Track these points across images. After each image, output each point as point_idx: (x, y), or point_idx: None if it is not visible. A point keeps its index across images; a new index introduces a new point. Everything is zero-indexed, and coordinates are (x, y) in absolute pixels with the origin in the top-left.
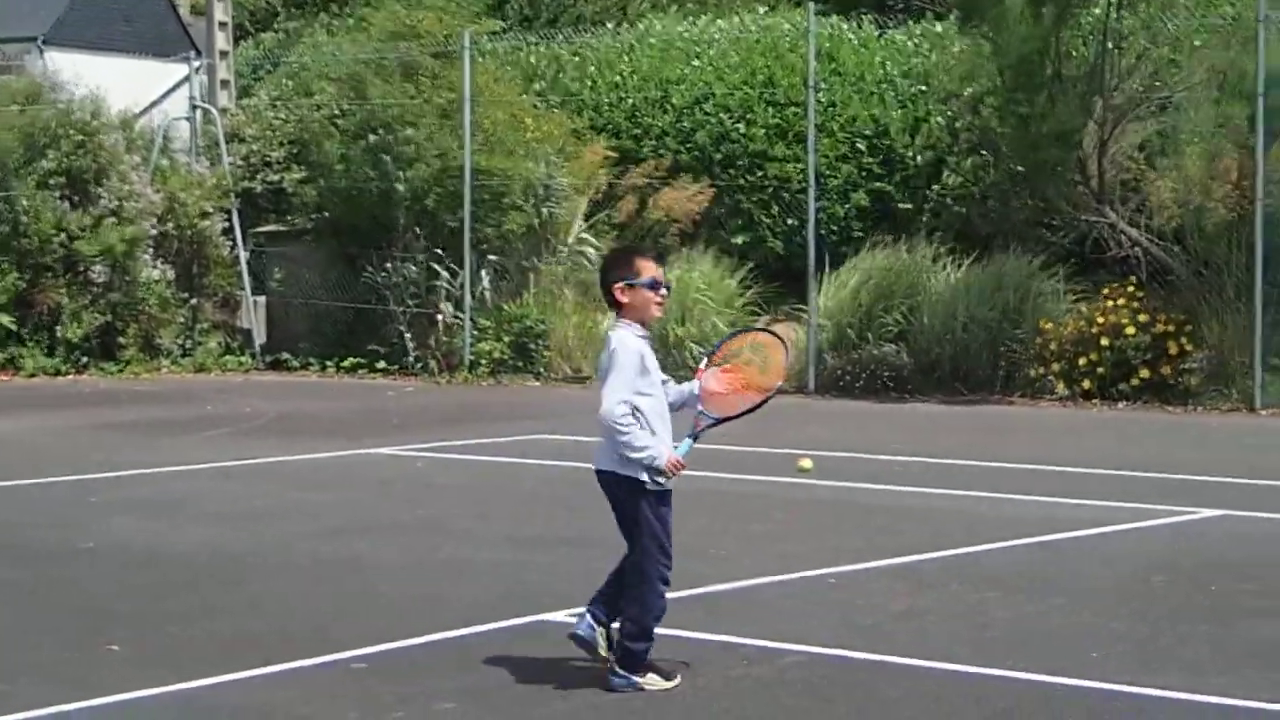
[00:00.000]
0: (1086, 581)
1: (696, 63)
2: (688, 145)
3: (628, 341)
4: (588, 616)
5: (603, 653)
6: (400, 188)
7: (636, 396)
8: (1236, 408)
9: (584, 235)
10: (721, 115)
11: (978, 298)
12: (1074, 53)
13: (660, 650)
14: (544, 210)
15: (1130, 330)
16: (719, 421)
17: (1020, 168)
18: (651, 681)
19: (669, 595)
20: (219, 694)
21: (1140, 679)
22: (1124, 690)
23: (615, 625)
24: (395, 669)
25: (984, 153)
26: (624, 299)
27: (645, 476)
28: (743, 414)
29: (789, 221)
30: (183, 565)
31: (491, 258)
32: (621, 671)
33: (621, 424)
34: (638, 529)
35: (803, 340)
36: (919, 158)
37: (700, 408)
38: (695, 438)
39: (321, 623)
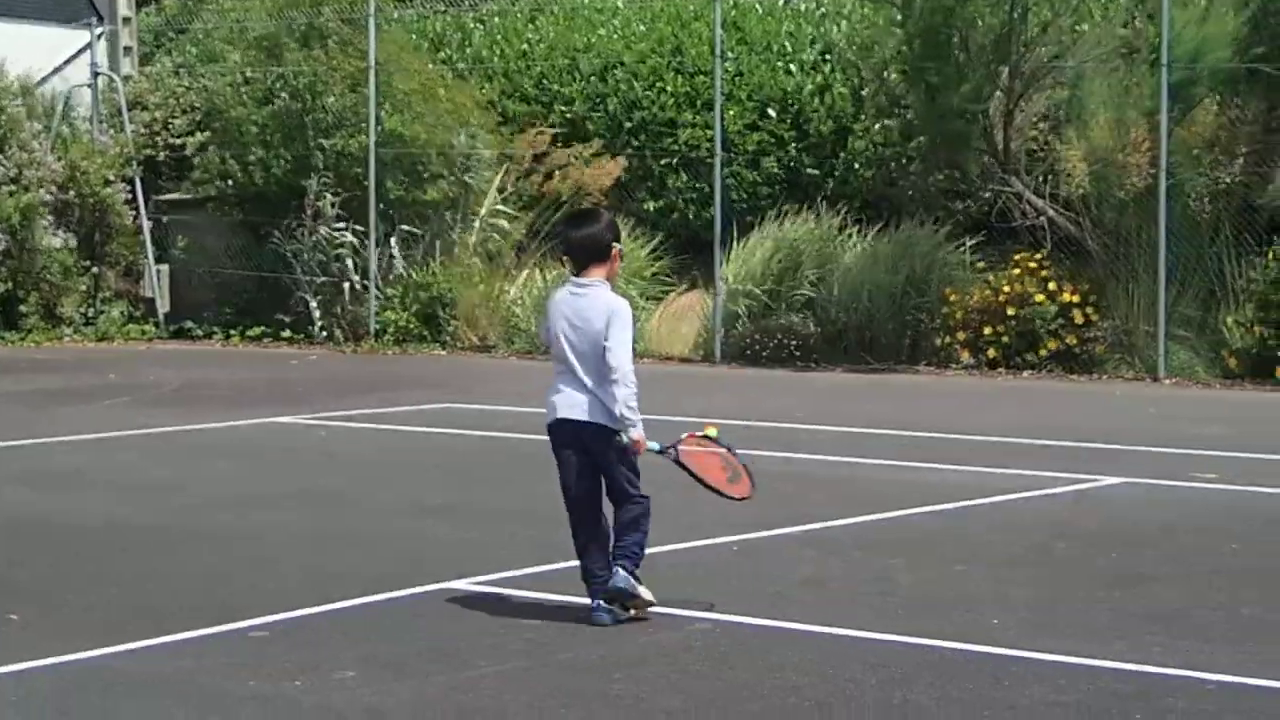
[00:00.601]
0: (989, 548)
1: (603, 31)
2: (596, 112)
3: (626, 305)
4: (601, 604)
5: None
6: (319, 155)
7: None
8: (1141, 377)
9: (499, 207)
10: (632, 82)
11: (885, 267)
12: (980, 21)
13: (565, 618)
14: (467, 177)
15: (1040, 299)
16: (681, 466)
17: (926, 137)
18: (644, 593)
19: (574, 563)
20: (118, 663)
21: (1041, 644)
22: (1024, 655)
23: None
24: (296, 638)
25: (889, 121)
26: (616, 261)
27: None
28: (695, 478)
29: (699, 187)
30: (81, 535)
31: (404, 228)
32: (629, 570)
33: (634, 383)
34: (618, 469)
35: (710, 309)
36: (825, 125)
37: (680, 448)
38: (662, 451)
39: (221, 592)
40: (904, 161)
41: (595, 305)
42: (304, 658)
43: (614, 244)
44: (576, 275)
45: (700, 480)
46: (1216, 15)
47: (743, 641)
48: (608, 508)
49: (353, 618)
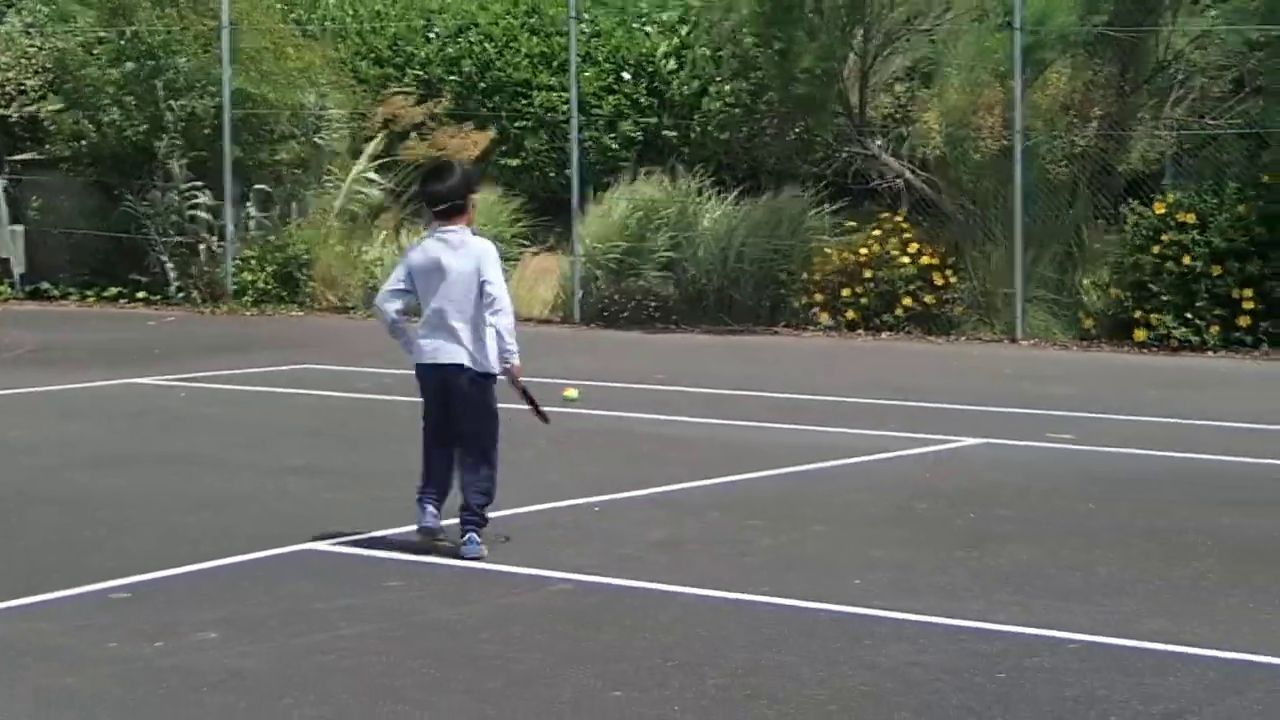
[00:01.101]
0: (848, 509)
1: None
2: (451, 74)
3: (492, 245)
4: (429, 509)
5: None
6: (169, 116)
7: None
8: (999, 338)
9: (370, 176)
10: (485, 44)
11: (745, 229)
12: None
13: (427, 579)
14: (315, 140)
15: (903, 260)
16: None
17: (780, 100)
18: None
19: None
20: None
21: (900, 604)
22: (884, 615)
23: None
24: (155, 599)
25: (746, 81)
26: (473, 209)
27: (497, 369)
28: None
29: (557, 149)
30: None
31: (259, 187)
32: (478, 539)
33: (512, 314)
34: (488, 415)
35: (567, 269)
36: (684, 87)
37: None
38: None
39: (79, 555)
40: (760, 124)
41: (466, 249)
42: (164, 620)
43: (471, 194)
44: (441, 224)
45: (524, 395)
46: None
47: (604, 602)
48: None
49: (213, 579)
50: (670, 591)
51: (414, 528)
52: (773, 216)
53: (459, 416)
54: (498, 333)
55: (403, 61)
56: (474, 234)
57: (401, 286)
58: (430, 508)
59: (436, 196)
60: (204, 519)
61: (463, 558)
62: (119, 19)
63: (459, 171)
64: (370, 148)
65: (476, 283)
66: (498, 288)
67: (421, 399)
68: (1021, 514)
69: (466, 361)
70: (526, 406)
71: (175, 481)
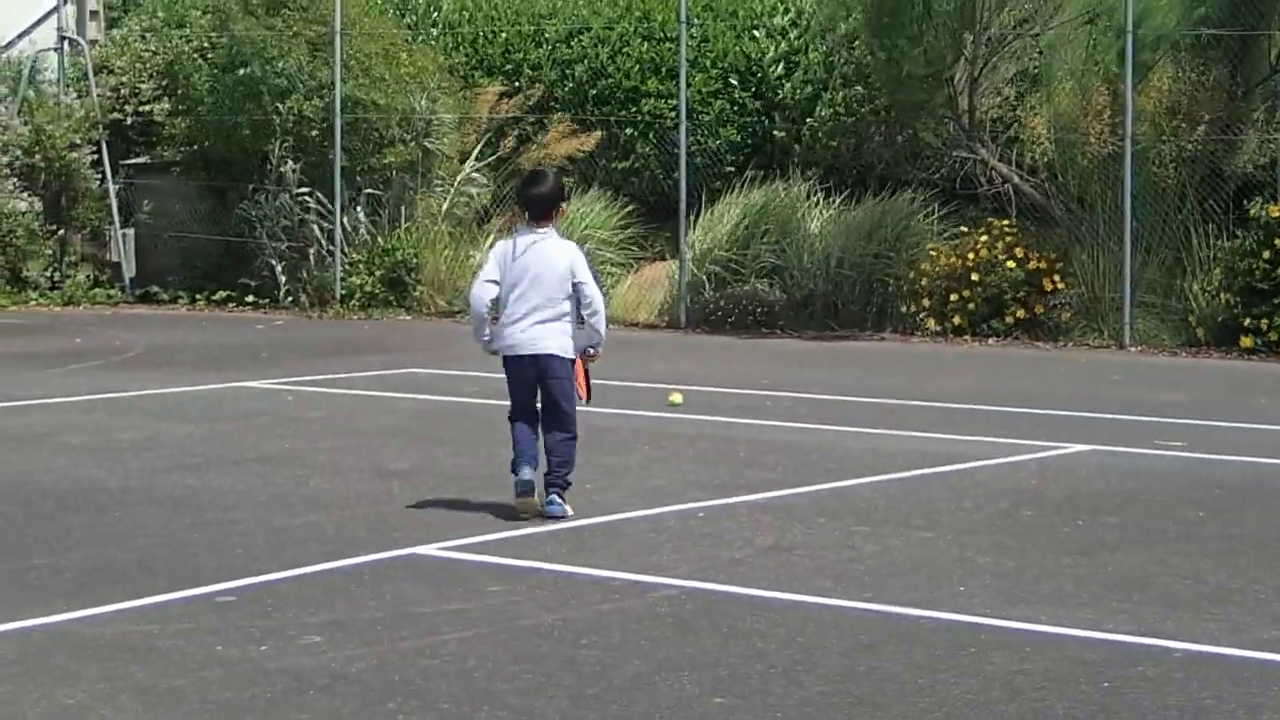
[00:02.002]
0: (953, 516)
1: None
2: (563, 80)
3: (578, 247)
4: (527, 470)
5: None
6: (276, 120)
7: None
8: (1106, 344)
9: (474, 175)
10: (598, 49)
11: (852, 234)
12: None
13: (530, 584)
14: (424, 144)
15: (1010, 265)
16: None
17: (889, 105)
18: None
19: (539, 529)
20: (84, 626)
21: (1005, 612)
22: (989, 623)
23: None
24: (261, 602)
25: (859, 88)
26: (562, 214)
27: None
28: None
29: (669, 153)
30: (47, 497)
31: (368, 191)
32: (561, 499)
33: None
34: (572, 393)
35: (675, 275)
36: (796, 93)
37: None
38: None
39: (186, 556)
40: (869, 129)
41: (557, 248)
42: (269, 622)
43: (562, 200)
44: (534, 225)
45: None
46: None
47: (707, 608)
48: None
49: (318, 582)
50: (773, 598)
51: (517, 532)
52: (878, 221)
53: (550, 397)
54: (592, 328)
55: (514, 68)
56: (561, 235)
57: (496, 278)
58: (527, 468)
59: (533, 199)
60: (310, 522)
61: (547, 516)
62: (229, 24)
63: (552, 179)
64: (476, 150)
65: (568, 280)
66: (591, 287)
67: (509, 383)
68: (1129, 521)
69: (559, 350)
70: (578, 379)
71: (282, 484)
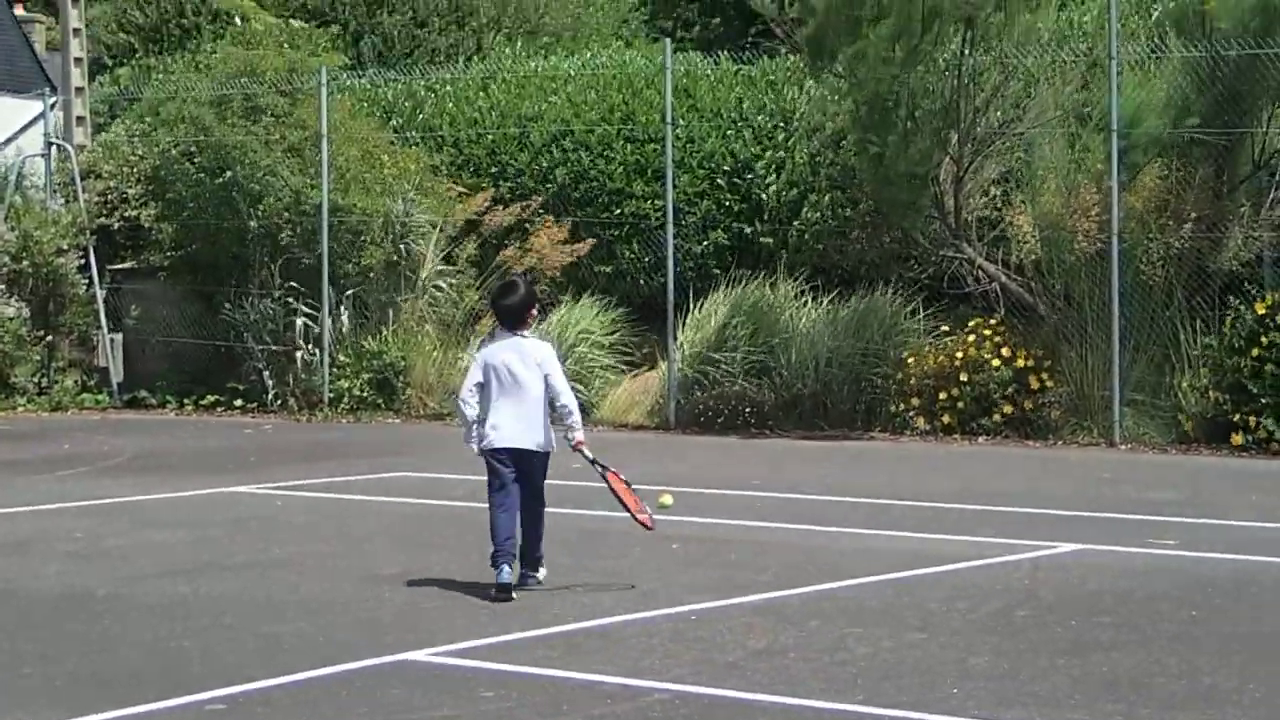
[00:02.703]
0: (946, 616)
1: (554, 99)
2: (546, 184)
3: (550, 345)
4: (506, 568)
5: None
6: (253, 224)
7: None
8: (1096, 442)
9: (440, 268)
10: (581, 153)
11: (840, 333)
12: (929, 89)
13: (523, 689)
14: (402, 246)
15: (995, 363)
16: (605, 481)
17: (876, 205)
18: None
19: (531, 633)
20: None
21: (999, 713)
22: None
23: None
24: (251, 710)
25: (845, 190)
26: (534, 318)
27: (555, 448)
28: (616, 497)
29: (648, 259)
30: (35, 604)
31: (349, 293)
32: (536, 573)
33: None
34: (542, 484)
35: (664, 377)
36: (781, 195)
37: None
38: (594, 461)
39: (175, 663)
40: (854, 230)
41: (535, 351)
42: None
43: (532, 307)
44: (510, 331)
45: (619, 499)
46: (1159, 81)
47: (701, 712)
48: None
49: (310, 689)
50: (767, 701)
51: (509, 636)
52: (865, 320)
53: (530, 487)
54: (566, 414)
55: (498, 170)
56: (535, 337)
57: (480, 382)
58: (507, 567)
59: (506, 310)
60: (301, 628)
61: (524, 587)
62: (208, 132)
63: (523, 288)
64: (432, 242)
65: (541, 377)
66: (557, 379)
67: (490, 476)
68: (1123, 621)
69: (541, 444)
70: (627, 502)
71: (272, 590)
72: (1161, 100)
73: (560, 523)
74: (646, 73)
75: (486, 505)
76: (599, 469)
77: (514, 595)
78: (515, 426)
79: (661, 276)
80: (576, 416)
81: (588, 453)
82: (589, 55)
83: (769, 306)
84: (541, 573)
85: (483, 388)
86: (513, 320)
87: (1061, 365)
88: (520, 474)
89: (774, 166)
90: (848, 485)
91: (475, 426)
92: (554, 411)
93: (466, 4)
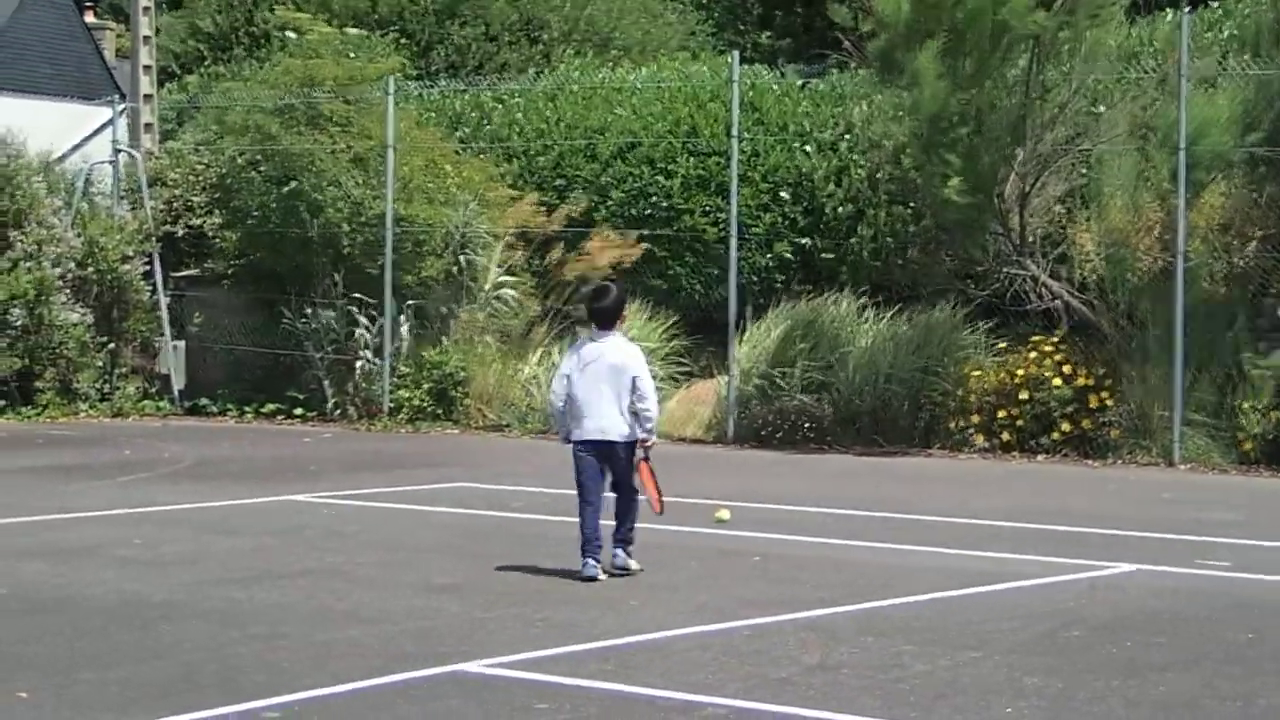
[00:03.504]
0: (1001, 635)
1: (620, 111)
2: (606, 198)
3: (639, 348)
4: (591, 561)
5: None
6: (314, 234)
7: None
8: (1155, 462)
9: (502, 279)
10: (644, 168)
11: (901, 349)
12: (996, 104)
13: (574, 701)
14: (462, 257)
15: (1056, 381)
16: (649, 468)
17: (936, 220)
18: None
19: (585, 646)
20: None
21: None
22: None
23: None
24: (307, 718)
25: (907, 205)
26: (624, 320)
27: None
28: (640, 473)
29: (708, 271)
30: (94, 611)
31: (410, 303)
32: (627, 553)
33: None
34: (630, 470)
35: (724, 390)
36: (840, 209)
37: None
38: (646, 457)
39: (232, 671)
40: (917, 246)
41: (624, 352)
42: None
43: (623, 309)
44: (601, 332)
45: (643, 482)
46: (1225, 98)
47: None
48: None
49: (365, 699)
50: (820, 717)
51: (564, 649)
52: (925, 337)
53: (617, 474)
54: (646, 417)
55: (563, 183)
56: (626, 338)
57: (569, 375)
58: (592, 560)
59: (598, 311)
60: (357, 637)
61: (615, 568)
62: (277, 138)
63: (615, 292)
64: (497, 253)
65: (629, 376)
66: (645, 382)
67: (577, 470)
68: (1178, 642)
69: (625, 435)
70: (648, 487)
71: (329, 598)
72: (1228, 117)
73: None
74: (712, 86)
75: (544, 517)
76: (642, 455)
77: (600, 578)
78: (600, 420)
79: (720, 291)
80: (655, 422)
81: (647, 451)
82: (655, 68)
83: (829, 322)
84: (633, 562)
85: (571, 383)
86: (605, 320)
87: (1122, 384)
88: (606, 465)
89: (834, 180)
90: (904, 502)
91: (564, 417)
92: (634, 413)
93: (538, 19)
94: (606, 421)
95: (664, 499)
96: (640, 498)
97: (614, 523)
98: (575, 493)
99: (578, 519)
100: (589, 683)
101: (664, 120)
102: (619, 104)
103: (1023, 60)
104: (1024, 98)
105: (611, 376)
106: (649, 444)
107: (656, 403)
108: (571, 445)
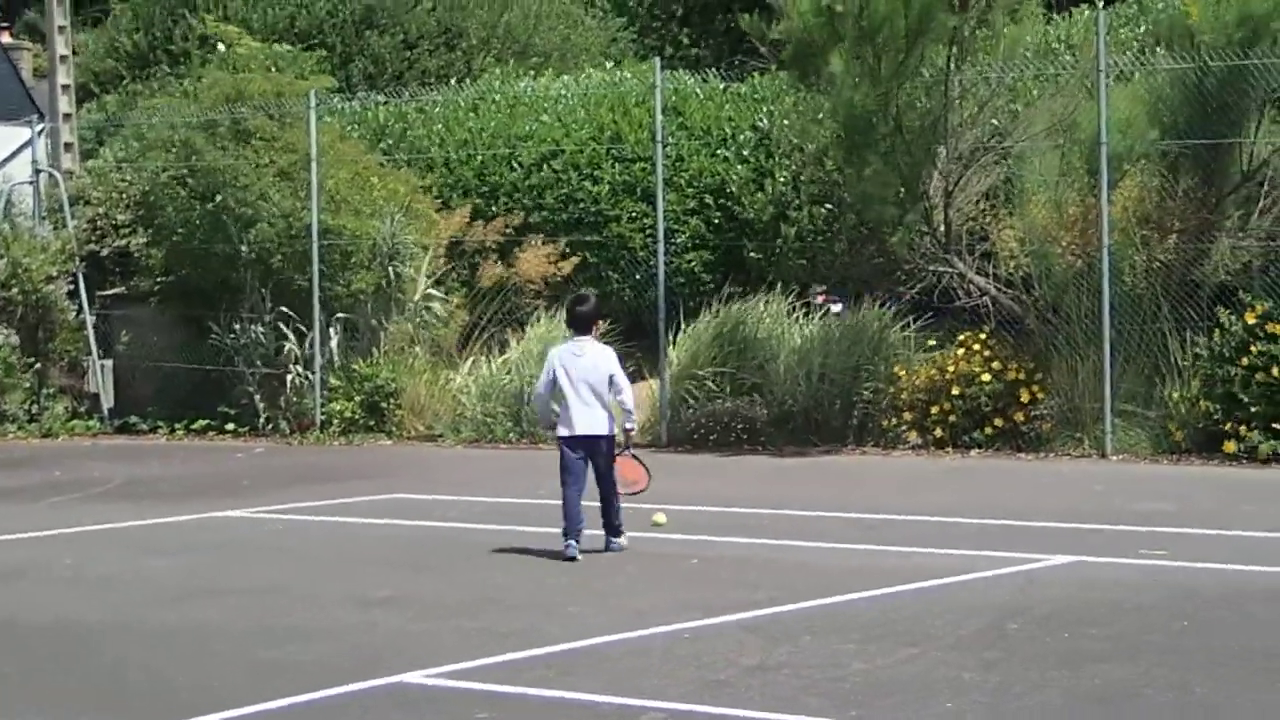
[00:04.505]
0: (939, 631)
1: (545, 119)
2: (537, 204)
3: (613, 350)
4: (572, 543)
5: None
6: (244, 249)
7: None
8: (1088, 454)
9: (430, 291)
10: (570, 173)
11: (831, 349)
12: (916, 104)
13: (513, 710)
14: (390, 269)
15: (985, 377)
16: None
17: (861, 221)
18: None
19: (524, 654)
20: None
21: None
22: None
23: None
24: None
25: (829, 206)
26: (599, 327)
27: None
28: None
29: (637, 276)
30: (29, 632)
31: (340, 316)
32: (618, 538)
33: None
34: (608, 465)
35: (656, 395)
36: (764, 213)
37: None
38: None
39: (168, 690)
40: (840, 246)
41: (599, 353)
42: None
43: (599, 317)
44: (578, 336)
45: (621, 474)
46: (1144, 93)
47: None
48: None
49: (302, 714)
50: (761, 718)
51: (502, 658)
52: (855, 335)
53: (599, 466)
54: (624, 407)
55: (488, 191)
56: (600, 342)
57: (552, 378)
58: (573, 543)
59: (578, 316)
60: (293, 652)
61: (610, 549)
62: (201, 154)
63: (593, 301)
64: (425, 266)
65: (606, 375)
66: (621, 378)
67: (563, 461)
68: (1115, 633)
69: (606, 430)
70: (634, 473)
71: (264, 614)
72: (1148, 112)
73: (554, 542)
74: (637, 92)
75: (478, 526)
76: (627, 451)
77: (578, 559)
78: (583, 416)
79: (649, 295)
80: (634, 413)
81: (629, 439)
82: (582, 75)
83: (758, 323)
84: (623, 539)
85: (554, 383)
86: (582, 325)
87: (1052, 378)
88: (588, 457)
89: (757, 184)
90: (840, 500)
91: (546, 410)
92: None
93: (456, 26)
94: (593, 419)
95: (639, 479)
96: (621, 491)
97: (602, 513)
98: (513, 500)
99: (561, 505)
100: (530, 690)
101: (588, 126)
102: (543, 111)
103: (940, 59)
104: (943, 97)
105: (593, 376)
106: (631, 431)
107: (633, 395)
108: (559, 441)
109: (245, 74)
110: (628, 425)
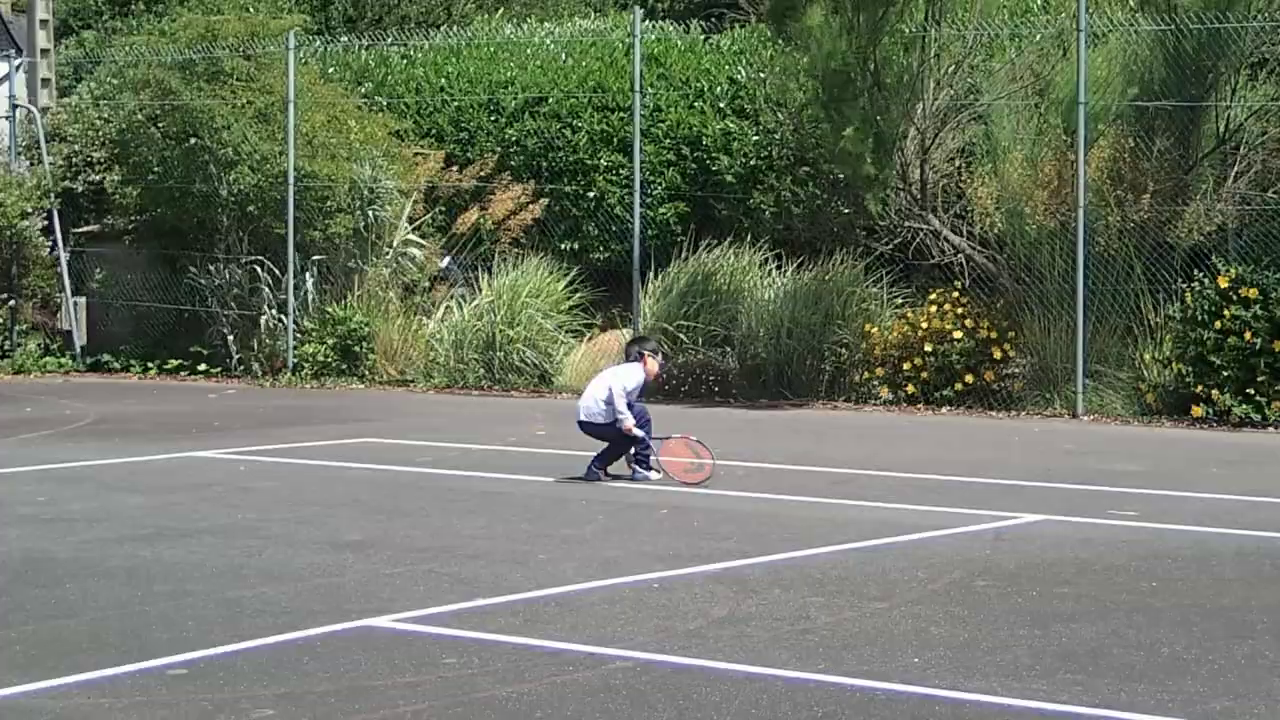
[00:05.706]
0: (908, 586)
1: (528, 66)
2: (514, 150)
3: (635, 373)
4: (593, 468)
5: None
6: (223, 192)
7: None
8: (1059, 413)
9: (410, 237)
10: (551, 122)
11: (803, 303)
12: (893, 60)
13: (481, 655)
14: (369, 213)
15: (958, 334)
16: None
17: (840, 175)
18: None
19: (493, 600)
20: (33, 701)
21: (960, 683)
22: (943, 695)
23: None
24: (213, 676)
25: (807, 165)
26: (646, 362)
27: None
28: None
29: (613, 228)
30: None
31: (317, 258)
32: (643, 469)
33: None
34: (617, 437)
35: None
36: (740, 165)
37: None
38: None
39: (137, 628)
40: (817, 201)
41: (620, 369)
42: (222, 697)
43: (643, 360)
44: (627, 361)
45: (665, 464)
46: (1121, 53)
47: (663, 681)
48: None
49: (271, 655)
50: (729, 669)
51: (471, 604)
52: (822, 290)
53: (607, 438)
54: (615, 411)
55: (465, 137)
56: (641, 369)
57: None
58: (593, 468)
59: (629, 348)
60: (263, 594)
61: (635, 480)
62: (173, 96)
63: (643, 342)
64: (407, 209)
65: (608, 385)
66: (614, 394)
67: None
68: (1083, 592)
69: (601, 416)
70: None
71: (235, 556)
72: (1124, 73)
73: (523, 489)
74: (626, 42)
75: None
76: (686, 437)
77: (601, 480)
78: (585, 407)
79: (623, 245)
80: (624, 416)
81: (637, 433)
82: (568, 23)
83: (730, 275)
84: (650, 474)
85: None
86: (628, 354)
87: (1024, 337)
88: (595, 434)
89: (735, 136)
90: (811, 454)
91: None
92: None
93: None
94: (586, 410)
95: (690, 470)
96: (693, 461)
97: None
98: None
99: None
100: (497, 636)
101: (571, 76)
102: (526, 59)
103: (919, 15)
104: (921, 53)
105: (610, 381)
106: (627, 428)
107: (625, 407)
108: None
109: (218, 15)
110: (624, 426)
